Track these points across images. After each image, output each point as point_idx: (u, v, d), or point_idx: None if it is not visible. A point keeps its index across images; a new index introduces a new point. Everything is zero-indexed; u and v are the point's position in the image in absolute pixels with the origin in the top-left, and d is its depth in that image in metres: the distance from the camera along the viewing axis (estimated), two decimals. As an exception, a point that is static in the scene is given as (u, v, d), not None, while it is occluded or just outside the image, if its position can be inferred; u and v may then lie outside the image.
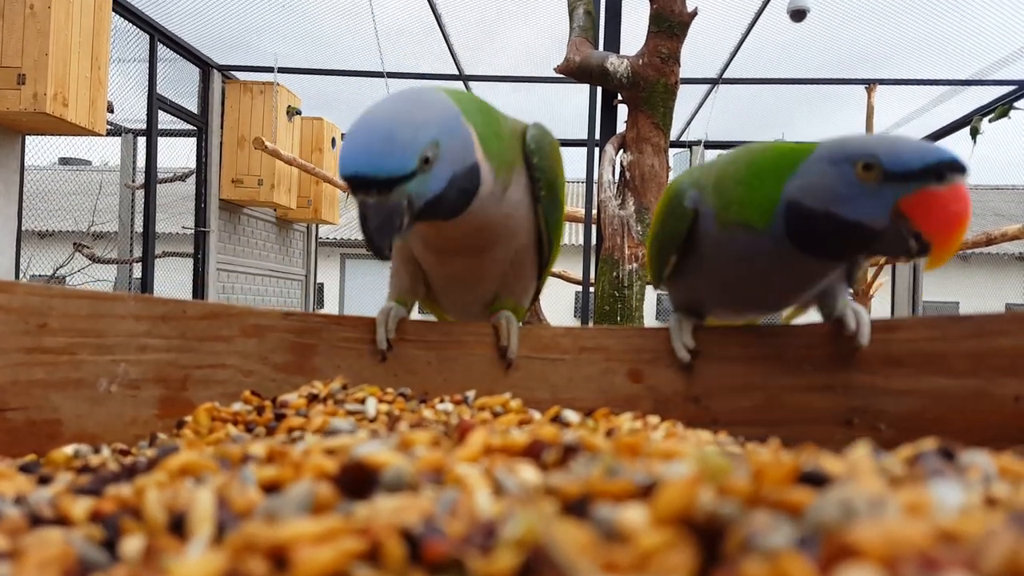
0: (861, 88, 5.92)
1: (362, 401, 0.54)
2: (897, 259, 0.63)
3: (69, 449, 0.45)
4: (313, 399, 0.55)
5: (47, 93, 3.91)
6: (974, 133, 6.28)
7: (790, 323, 0.83)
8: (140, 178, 6.75)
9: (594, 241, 3.59)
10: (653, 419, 0.57)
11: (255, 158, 6.07)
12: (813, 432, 0.74)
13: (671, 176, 3.08)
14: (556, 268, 6.52)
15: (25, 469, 0.41)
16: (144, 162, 5.60)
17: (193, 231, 6.07)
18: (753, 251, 0.69)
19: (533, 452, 0.29)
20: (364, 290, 12.89)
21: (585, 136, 3.94)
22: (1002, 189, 16.63)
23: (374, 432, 0.33)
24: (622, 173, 3.00)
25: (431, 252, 0.81)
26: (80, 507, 0.28)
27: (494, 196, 0.71)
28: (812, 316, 0.82)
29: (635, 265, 2.88)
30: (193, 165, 6.18)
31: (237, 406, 0.57)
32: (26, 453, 0.55)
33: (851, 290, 0.83)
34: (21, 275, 4.45)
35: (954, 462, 0.31)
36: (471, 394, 0.66)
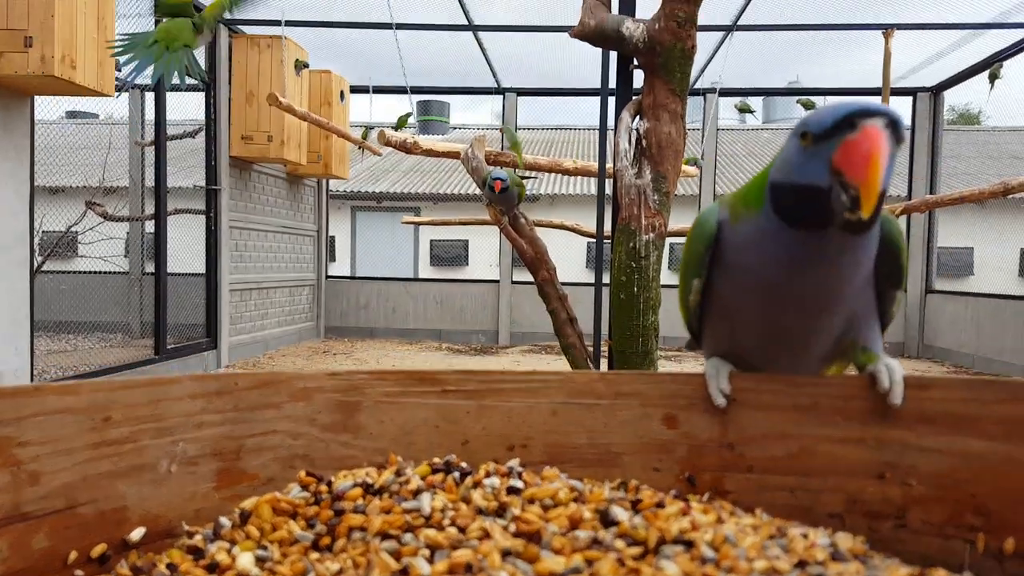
0: (878, 32, 5.73)
1: (415, 493, 0.56)
2: (846, 225, 0.67)
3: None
4: (367, 489, 0.57)
5: (55, 56, 3.86)
6: (992, 78, 6.11)
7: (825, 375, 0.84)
8: (149, 133, 6.69)
9: (608, 191, 3.56)
10: (697, 510, 0.58)
11: (264, 114, 5.99)
12: (845, 484, 0.76)
13: (688, 143, 3.02)
14: (569, 222, 6.45)
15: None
16: (152, 116, 5.54)
17: (204, 188, 6.05)
18: (755, 239, 0.73)
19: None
20: (375, 242, 12.88)
21: (596, 84, 3.86)
22: (1018, 131, 16.23)
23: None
24: (638, 141, 2.95)
25: None
26: None
27: None
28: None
29: (652, 235, 2.87)
30: (202, 118, 6.11)
31: (295, 492, 0.59)
32: (96, 543, 0.58)
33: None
34: (35, 234, 4.46)
35: None
36: (515, 464, 0.67)
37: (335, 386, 0.74)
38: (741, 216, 0.75)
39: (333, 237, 11.85)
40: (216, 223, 6.11)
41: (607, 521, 0.53)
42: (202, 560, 0.51)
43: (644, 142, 2.90)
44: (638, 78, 3.08)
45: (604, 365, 3.11)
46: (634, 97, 3.02)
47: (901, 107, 7.74)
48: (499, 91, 7.91)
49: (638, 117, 2.95)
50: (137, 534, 0.58)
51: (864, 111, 0.61)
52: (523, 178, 3.64)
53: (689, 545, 0.50)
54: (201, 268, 6.16)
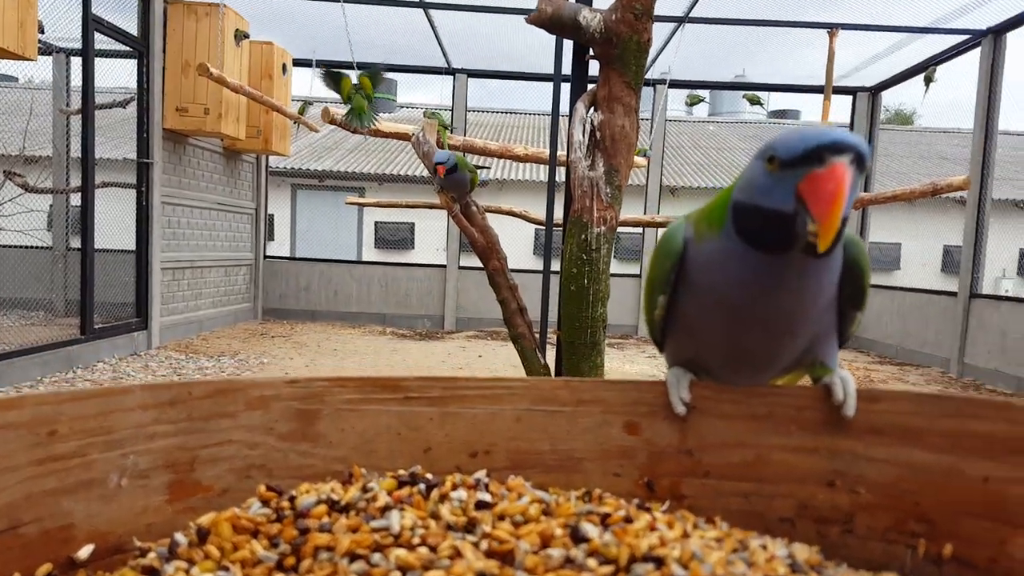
0: (823, 32, 5.92)
1: (383, 510, 0.55)
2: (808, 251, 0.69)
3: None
4: (333, 506, 0.56)
5: (-32, 14, 3.58)
6: (927, 81, 6.45)
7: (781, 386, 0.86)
8: (75, 99, 6.31)
9: (560, 178, 3.57)
10: (661, 522, 0.59)
11: (200, 85, 5.73)
12: (797, 491, 0.78)
13: (641, 136, 3.06)
14: (517, 208, 6.44)
15: None
16: (79, 83, 5.22)
17: (135, 161, 5.76)
18: (718, 259, 0.73)
19: None
20: (316, 222, 12.55)
21: (549, 70, 3.86)
22: (948, 132, 17.15)
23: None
24: (592, 133, 2.96)
25: None
26: None
27: None
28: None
29: (603, 228, 2.89)
30: (133, 87, 5.79)
31: (255, 508, 0.57)
32: (40, 564, 0.54)
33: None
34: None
35: None
36: (482, 475, 0.67)
37: (293, 394, 0.71)
38: (704, 235, 0.75)
39: (272, 216, 11.50)
40: (147, 198, 5.83)
41: (577, 537, 0.53)
42: (159, 584, 0.49)
43: (598, 134, 2.92)
44: (592, 66, 3.09)
45: (551, 354, 3.13)
46: (589, 87, 3.03)
47: (841, 106, 8.03)
48: (449, 71, 7.80)
49: (592, 108, 2.96)
50: (85, 552, 0.55)
51: (833, 146, 0.62)
52: (477, 167, 3.61)
53: (659, 562, 0.50)
54: (131, 245, 5.88)
